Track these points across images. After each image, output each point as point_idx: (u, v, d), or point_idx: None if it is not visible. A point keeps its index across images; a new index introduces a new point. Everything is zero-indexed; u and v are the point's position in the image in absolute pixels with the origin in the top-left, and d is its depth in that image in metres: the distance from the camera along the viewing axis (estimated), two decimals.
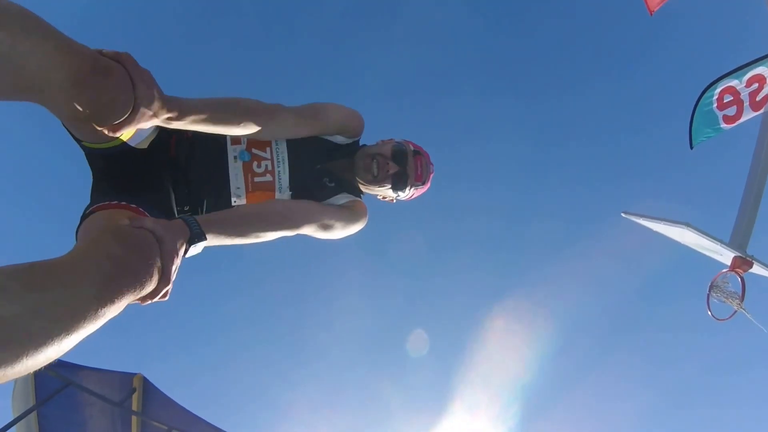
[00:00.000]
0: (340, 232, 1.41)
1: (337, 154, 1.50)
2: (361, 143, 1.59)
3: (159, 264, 0.76)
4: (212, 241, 0.98)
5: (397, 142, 1.55)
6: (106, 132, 0.91)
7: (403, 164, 1.48)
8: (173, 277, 0.82)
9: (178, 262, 0.83)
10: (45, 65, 0.76)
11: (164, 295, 0.80)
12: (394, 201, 1.59)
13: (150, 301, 0.78)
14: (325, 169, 1.48)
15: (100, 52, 0.86)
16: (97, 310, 0.61)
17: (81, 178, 1.34)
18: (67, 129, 1.11)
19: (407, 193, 1.54)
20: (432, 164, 1.59)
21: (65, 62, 0.77)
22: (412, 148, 1.54)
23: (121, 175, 1.25)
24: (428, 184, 1.60)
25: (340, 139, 1.51)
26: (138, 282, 0.69)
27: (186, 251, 0.89)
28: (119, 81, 0.85)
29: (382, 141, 1.57)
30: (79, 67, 0.79)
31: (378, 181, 1.47)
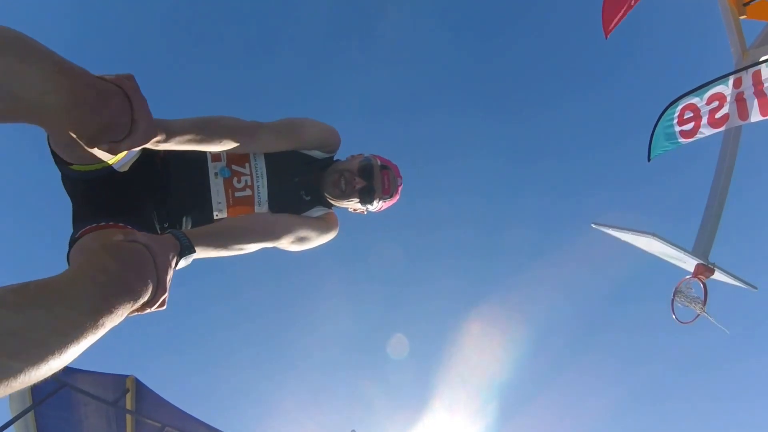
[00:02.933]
0: (314, 242, 1.47)
1: (312, 168, 1.54)
2: (335, 158, 1.62)
3: (154, 275, 0.78)
4: (200, 253, 1.02)
5: (365, 157, 1.58)
6: (105, 151, 0.94)
7: (370, 179, 1.52)
8: (168, 287, 0.85)
9: (170, 273, 0.86)
10: (46, 89, 0.77)
11: (162, 304, 0.83)
12: (365, 213, 1.64)
13: (148, 310, 0.81)
14: (302, 182, 1.52)
15: (102, 78, 0.87)
16: (95, 322, 0.63)
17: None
18: (54, 152, 1.12)
19: (375, 206, 1.60)
20: (401, 177, 1.63)
21: (65, 86, 0.78)
22: (379, 162, 1.57)
23: (102, 198, 1.28)
24: (397, 197, 1.64)
25: (317, 154, 1.55)
26: (134, 294, 0.71)
27: (176, 263, 0.92)
28: (119, 105, 0.88)
29: (352, 156, 1.61)
30: (80, 91, 0.80)
31: (346, 196, 1.51)
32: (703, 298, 3.57)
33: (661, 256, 3.86)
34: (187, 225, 1.43)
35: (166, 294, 0.82)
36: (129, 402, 4.42)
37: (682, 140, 3.58)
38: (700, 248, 3.63)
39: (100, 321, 0.63)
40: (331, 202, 1.58)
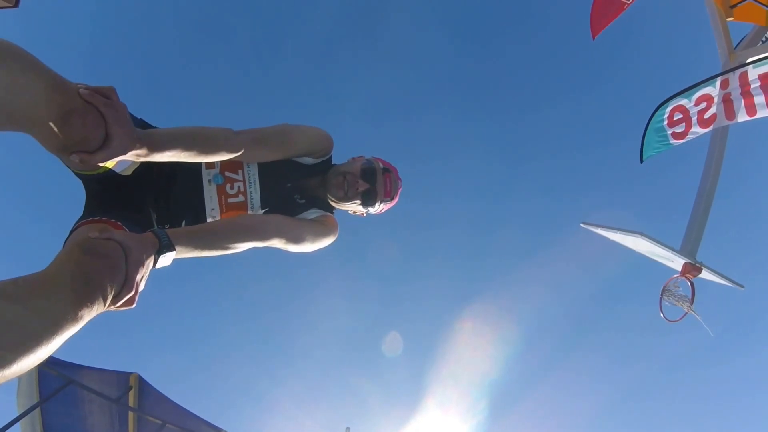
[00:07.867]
0: (311, 245, 1.44)
1: (307, 173, 1.55)
2: (333, 161, 1.62)
3: (123, 273, 0.78)
4: (183, 252, 1.01)
5: (366, 159, 1.59)
6: (81, 165, 0.93)
7: (372, 182, 1.53)
8: (141, 286, 0.86)
9: (144, 271, 0.86)
10: (37, 101, 0.79)
11: (129, 302, 0.82)
12: (365, 215, 1.66)
13: (114, 308, 0.80)
14: (296, 187, 1.53)
15: (78, 90, 0.86)
16: (75, 315, 0.66)
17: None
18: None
19: (376, 209, 1.61)
20: (401, 180, 1.65)
21: (55, 99, 0.80)
22: (381, 165, 1.58)
23: (108, 196, 1.34)
24: (397, 199, 1.66)
25: (307, 160, 1.55)
26: (103, 289, 0.73)
27: (155, 262, 0.92)
28: (93, 119, 0.87)
29: (353, 158, 1.63)
30: (67, 104, 0.82)
31: (348, 198, 1.52)
32: (690, 297, 3.61)
33: (649, 255, 3.90)
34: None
35: (133, 292, 0.82)
36: (132, 399, 4.54)
37: (673, 142, 3.63)
38: (687, 247, 3.66)
39: (79, 314, 0.67)
40: (333, 204, 1.60)
